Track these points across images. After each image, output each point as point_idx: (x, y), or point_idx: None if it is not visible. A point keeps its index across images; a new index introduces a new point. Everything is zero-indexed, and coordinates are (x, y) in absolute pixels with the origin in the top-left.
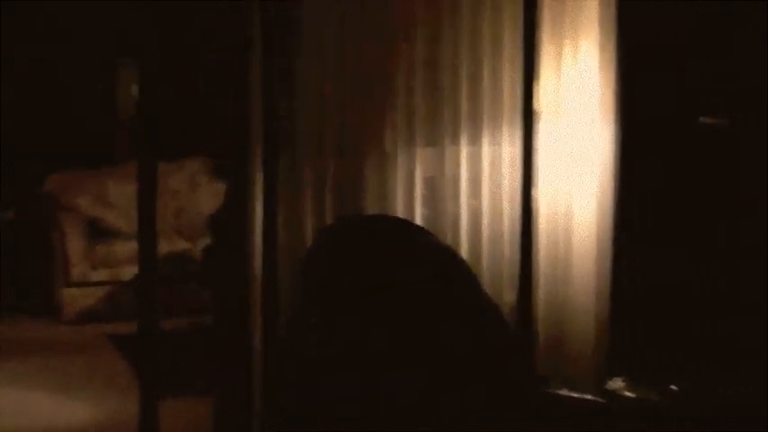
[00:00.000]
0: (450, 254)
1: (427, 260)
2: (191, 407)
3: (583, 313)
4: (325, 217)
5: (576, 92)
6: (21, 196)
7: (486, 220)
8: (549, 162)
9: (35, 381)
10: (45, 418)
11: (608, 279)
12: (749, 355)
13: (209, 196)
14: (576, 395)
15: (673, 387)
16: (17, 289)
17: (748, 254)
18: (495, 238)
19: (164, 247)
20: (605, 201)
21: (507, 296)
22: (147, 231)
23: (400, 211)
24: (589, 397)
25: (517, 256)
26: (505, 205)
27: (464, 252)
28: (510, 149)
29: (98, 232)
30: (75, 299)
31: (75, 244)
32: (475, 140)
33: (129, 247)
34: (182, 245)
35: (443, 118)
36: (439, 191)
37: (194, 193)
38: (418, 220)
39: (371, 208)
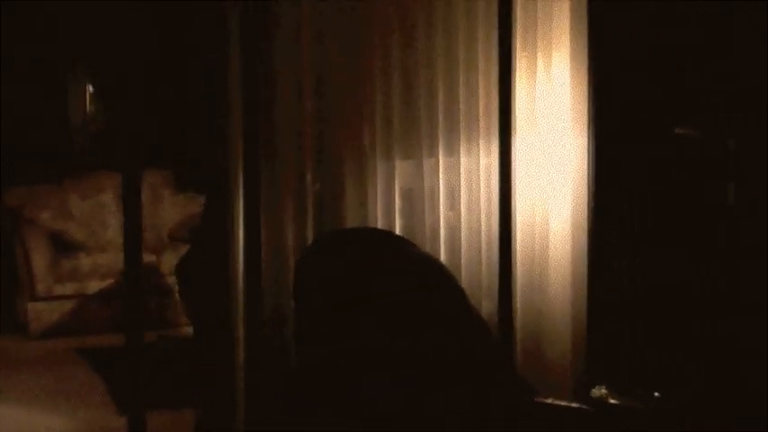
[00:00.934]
0: (436, 265)
1: (414, 271)
2: (172, 419)
3: (560, 322)
4: (306, 228)
5: (550, 103)
6: None
7: (463, 231)
8: (524, 173)
9: (7, 395)
10: None
11: (584, 287)
12: (727, 360)
13: (171, 208)
14: (562, 403)
15: (656, 394)
16: None
17: (724, 259)
18: (472, 247)
19: None
20: (580, 210)
21: (486, 305)
22: (132, 243)
23: (380, 223)
24: (575, 405)
25: (494, 266)
26: (483, 216)
27: (443, 262)
28: (486, 161)
29: (61, 246)
30: (41, 313)
31: (39, 258)
32: (452, 152)
33: (92, 261)
34: (146, 257)
35: (420, 131)
36: (417, 202)
37: (156, 205)
38: (397, 232)
39: (351, 219)
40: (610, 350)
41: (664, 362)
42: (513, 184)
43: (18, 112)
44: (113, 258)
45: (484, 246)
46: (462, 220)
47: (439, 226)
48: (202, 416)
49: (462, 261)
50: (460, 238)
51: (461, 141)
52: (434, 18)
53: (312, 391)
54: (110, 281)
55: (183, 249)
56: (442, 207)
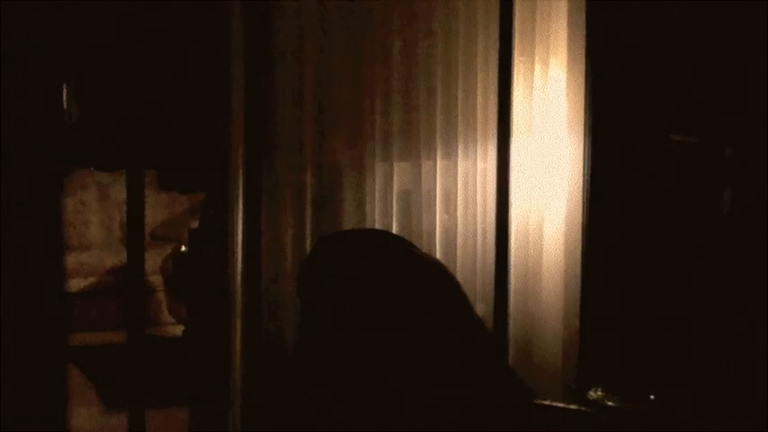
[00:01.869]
0: (440, 266)
1: (419, 271)
2: (165, 418)
3: (552, 325)
4: (305, 229)
5: (546, 108)
6: None
7: (459, 234)
8: (519, 177)
9: None
10: None
11: (577, 292)
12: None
13: (155, 207)
14: (561, 405)
15: (651, 396)
16: None
17: (716, 266)
18: (467, 251)
19: (110, 259)
20: (575, 214)
21: (480, 308)
22: (135, 240)
23: (377, 225)
24: (574, 407)
25: (489, 269)
26: (479, 219)
27: None
28: (482, 165)
29: None
30: None
31: None
32: (449, 156)
33: (76, 259)
34: None
35: (419, 134)
36: (414, 204)
37: None
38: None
39: (348, 221)
40: (602, 353)
41: (657, 365)
42: (509, 188)
43: None
44: (96, 257)
45: (479, 249)
46: (458, 223)
47: (435, 228)
48: (197, 415)
49: (458, 264)
50: (456, 241)
51: (459, 145)
52: (434, 22)
53: (316, 390)
54: (93, 279)
55: (168, 248)
56: (438, 210)
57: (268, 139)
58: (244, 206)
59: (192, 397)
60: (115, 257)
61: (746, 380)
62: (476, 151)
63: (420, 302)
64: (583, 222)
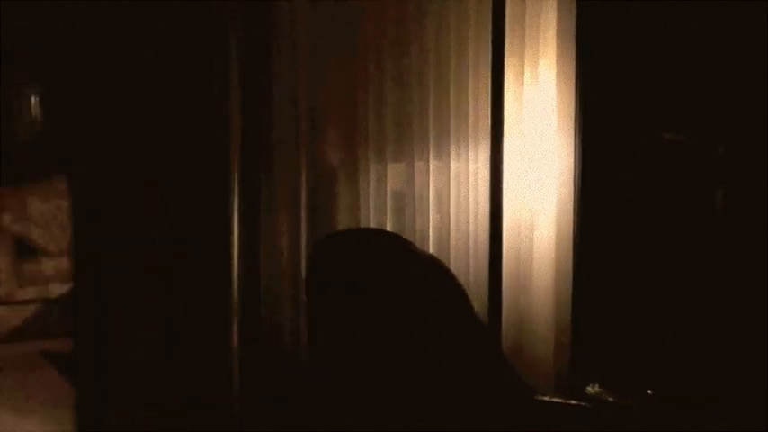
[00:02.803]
0: (440, 264)
1: (421, 269)
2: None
3: (543, 323)
4: (300, 230)
5: (536, 108)
6: None
7: (452, 233)
8: (511, 176)
9: None
10: None
11: (568, 289)
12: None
13: None
14: (561, 401)
15: (649, 392)
16: None
17: (709, 264)
18: (459, 250)
19: None
20: (566, 212)
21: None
22: None
23: (371, 225)
24: (574, 402)
25: (481, 268)
26: (471, 219)
27: None
28: (474, 166)
29: (23, 250)
30: (3, 318)
31: (1, 262)
32: (441, 157)
33: (54, 265)
34: None
35: (412, 134)
36: (408, 205)
37: None
38: None
39: (342, 221)
40: (595, 350)
41: (651, 361)
42: (502, 187)
43: None
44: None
45: (471, 248)
46: (451, 223)
47: (428, 228)
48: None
49: (450, 264)
50: (448, 240)
51: (451, 146)
52: (426, 22)
53: (324, 390)
54: (71, 284)
55: None
56: (431, 210)
57: (264, 139)
58: (239, 206)
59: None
60: None
61: (746, 380)
62: (467, 152)
63: (418, 300)
64: (574, 220)
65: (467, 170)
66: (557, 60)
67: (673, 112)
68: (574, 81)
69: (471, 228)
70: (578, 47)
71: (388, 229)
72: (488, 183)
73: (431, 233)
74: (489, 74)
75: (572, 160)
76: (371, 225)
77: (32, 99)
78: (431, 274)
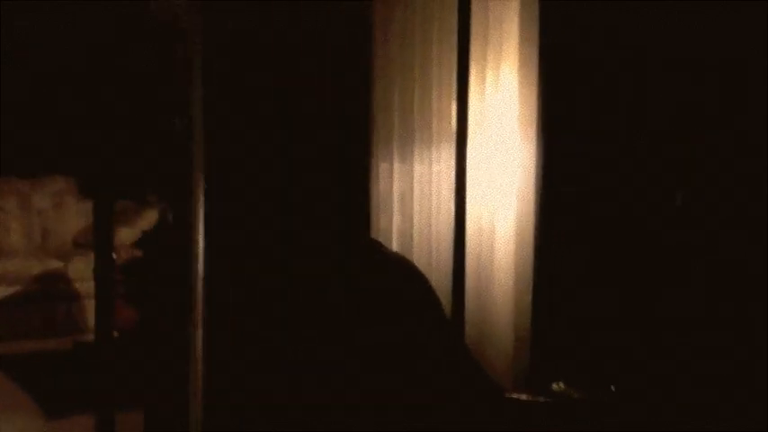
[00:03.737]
0: (407, 262)
1: (389, 267)
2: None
3: (503, 321)
4: None
5: (499, 110)
6: None
7: (414, 234)
8: (473, 178)
9: None
10: None
11: (528, 289)
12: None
13: (76, 216)
14: (527, 397)
15: (612, 387)
16: None
17: (668, 261)
18: (422, 250)
19: (35, 267)
20: (526, 213)
21: None
22: (103, 245)
23: None
24: (541, 399)
25: (442, 267)
26: (432, 220)
27: None
28: (437, 167)
29: None
30: None
31: None
32: (405, 159)
33: None
34: (53, 264)
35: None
36: (373, 206)
37: (60, 212)
38: None
39: None
40: (556, 347)
41: (612, 357)
42: (466, 189)
43: None
44: (20, 264)
45: (434, 248)
46: (414, 224)
47: (392, 229)
48: (153, 417)
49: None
50: (411, 241)
51: (414, 148)
52: (392, 26)
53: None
54: (17, 287)
55: (91, 255)
56: (395, 211)
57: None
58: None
59: (148, 399)
60: (40, 265)
61: (746, 380)
62: (431, 154)
63: (390, 300)
64: (535, 221)
65: (430, 172)
66: (519, 62)
67: (637, 113)
68: (536, 83)
69: (434, 229)
70: (541, 49)
71: None
72: (451, 185)
73: (394, 234)
74: (454, 78)
75: (533, 162)
76: None
77: None
78: (398, 272)
